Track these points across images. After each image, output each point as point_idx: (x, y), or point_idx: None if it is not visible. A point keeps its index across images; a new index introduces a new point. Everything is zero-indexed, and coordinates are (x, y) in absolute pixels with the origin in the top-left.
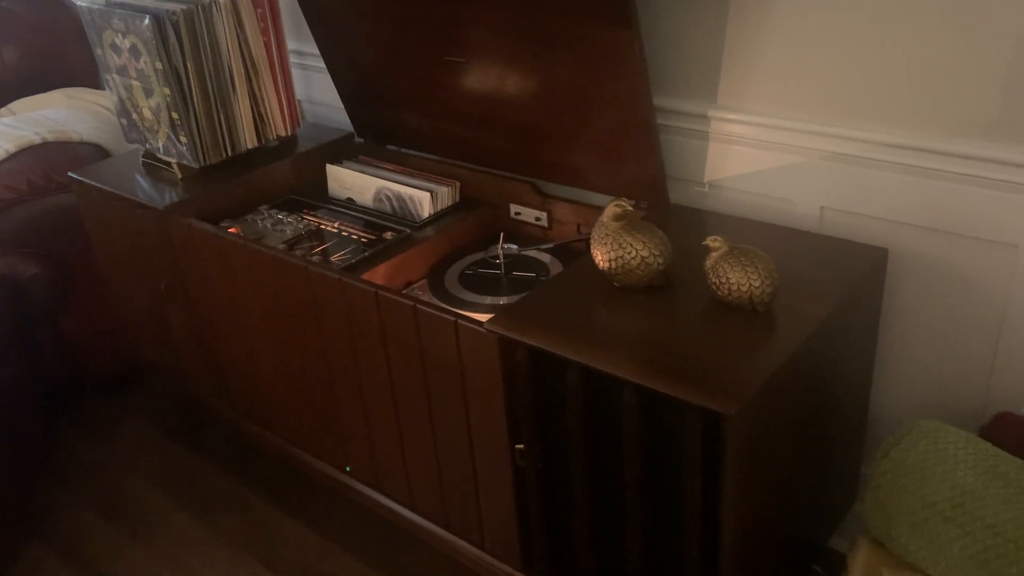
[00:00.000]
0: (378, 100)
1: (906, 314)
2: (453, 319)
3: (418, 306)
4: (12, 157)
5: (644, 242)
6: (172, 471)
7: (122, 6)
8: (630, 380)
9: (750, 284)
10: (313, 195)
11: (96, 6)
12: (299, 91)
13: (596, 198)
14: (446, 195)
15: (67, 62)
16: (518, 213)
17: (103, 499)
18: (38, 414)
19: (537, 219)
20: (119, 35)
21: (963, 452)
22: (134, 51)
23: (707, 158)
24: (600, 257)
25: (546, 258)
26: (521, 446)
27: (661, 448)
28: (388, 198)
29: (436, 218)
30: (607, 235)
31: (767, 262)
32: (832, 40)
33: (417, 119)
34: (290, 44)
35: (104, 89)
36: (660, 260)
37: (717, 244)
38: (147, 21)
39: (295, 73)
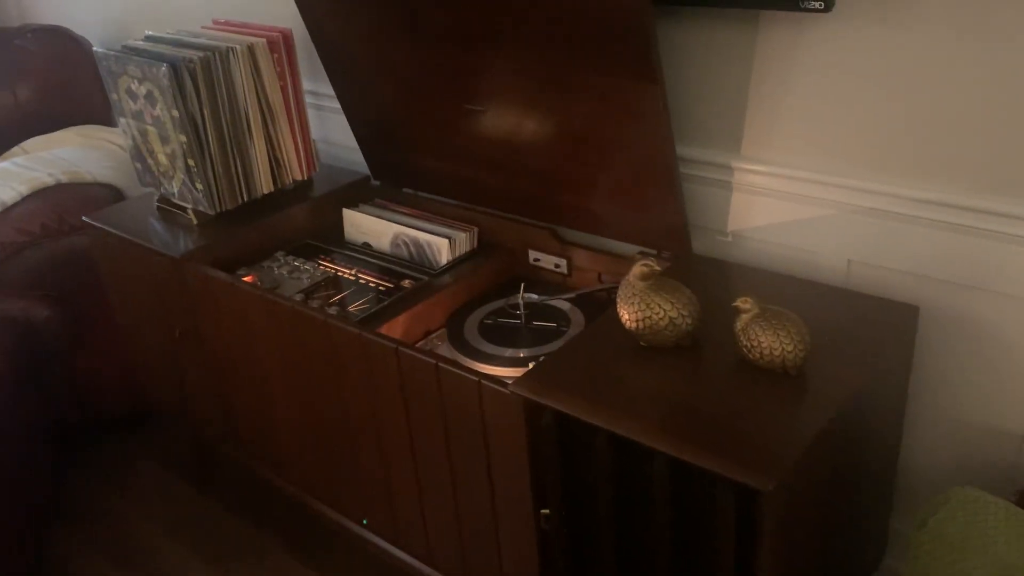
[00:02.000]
0: (395, 144)
1: (936, 373)
2: (476, 379)
3: (440, 364)
4: (25, 200)
5: (672, 302)
6: (185, 517)
7: (138, 52)
8: (661, 449)
9: (783, 348)
10: (329, 240)
11: (112, 52)
12: (314, 131)
13: (617, 245)
14: (464, 241)
15: (81, 100)
16: (537, 259)
17: (115, 545)
18: (49, 456)
19: (556, 266)
20: (135, 81)
21: (1003, 524)
22: (150, 98)
23: (730, 208)
24: (627, 316)
25: (565, 306)
26: (547, 511)
27: (692, 518)
28: (406, 244)
29: (454, 264)
30: (634, 294)
31: (799, 325)
32: (858, 93)
33: (434, 163)
34: (305, 84)
35: (118, 128)
36: (688, 320)
37: (747, 306)
38: (164, 69)
39: (310, 113)
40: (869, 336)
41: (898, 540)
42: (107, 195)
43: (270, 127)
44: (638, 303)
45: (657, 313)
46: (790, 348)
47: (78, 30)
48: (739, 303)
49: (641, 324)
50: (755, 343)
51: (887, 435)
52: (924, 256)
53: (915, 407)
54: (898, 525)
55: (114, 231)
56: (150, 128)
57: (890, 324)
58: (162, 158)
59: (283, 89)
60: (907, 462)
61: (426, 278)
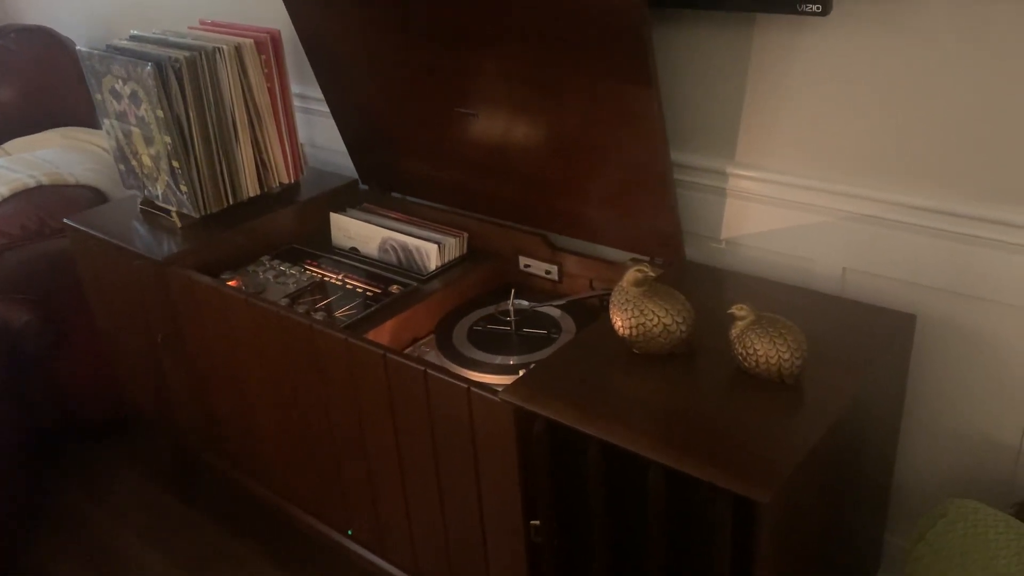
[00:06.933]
0: (384, 148)
1: (932, 382)
2: (466, 386)
3: (429, 371)
4: (6, 201)
5: (666, 309)
6: (165, 525)
7: (123, 52)
8: (656, 460)
9: (779, 356)
10: (316, 244)
11: (96, 51)
12: (301, 135)
13: (609, 252)
14: (454, 246)
15: (64, 101)
16: (527, 266)
17: (93, 553)
18: (27, 462)
19: (547, 272)
20: (119, 81)
21: (1004, 537)
22: (134, 98)
23: (724, 214)
24: (620, 323)
25: (556, 313)
26: (536, 522)
27: (688, 529)
28: (394, 249)
29: (443, 270)
30: (627, 300)
31: (796, 333)
32: (854, 98)
33: (424, 167)
34: (293, 87)
35: (101, 129)
36: (683, 328)
37: (743, 313)
38: (149, 68)
39: (297, 116)
40: (865, 345)
41: (892, 553)
42: (89, 197)
43: (257, 129)
44: (632, 309)
45: (651, 319)
46: (787, 356)
47: (63, 30)
48: (734, 310)
49: (634, 331)
50: (751, 351)
51: (883, 445)
52: (920, 264)
53: (911, 417)
54: (892, 537)
55: (96, 234)
56: (134, 129)
57: (886, 333)
58: (146, 160)
59: (270, 91)
60: (902, 473)
61: (414, 284)
